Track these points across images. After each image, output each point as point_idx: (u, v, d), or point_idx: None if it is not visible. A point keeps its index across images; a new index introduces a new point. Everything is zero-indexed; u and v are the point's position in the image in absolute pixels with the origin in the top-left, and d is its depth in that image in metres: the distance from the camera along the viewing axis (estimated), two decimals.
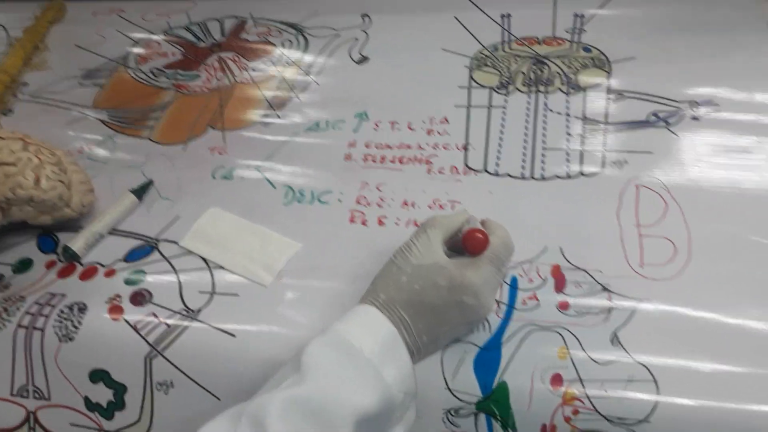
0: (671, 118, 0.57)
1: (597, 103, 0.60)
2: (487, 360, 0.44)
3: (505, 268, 0.46)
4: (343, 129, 0.63)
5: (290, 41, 0.73)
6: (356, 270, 0.51)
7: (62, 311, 0.52)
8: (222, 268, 0.54)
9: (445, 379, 0.44)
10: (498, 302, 0.48)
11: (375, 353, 0.40)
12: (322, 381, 0.37)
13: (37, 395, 0.51)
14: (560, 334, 0.45)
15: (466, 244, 0.44)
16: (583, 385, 0.43)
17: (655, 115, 0.58)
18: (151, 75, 0.73)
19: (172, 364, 0.48)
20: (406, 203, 0.56)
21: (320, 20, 0.75)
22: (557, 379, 0.43)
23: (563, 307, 0.47)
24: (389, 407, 0.39)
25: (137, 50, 0.76)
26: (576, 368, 0.43)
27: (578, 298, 0.47)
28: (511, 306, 0.48)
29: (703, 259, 0.48)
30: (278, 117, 0.66)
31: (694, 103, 0.58)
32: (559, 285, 0.48)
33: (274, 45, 0.73)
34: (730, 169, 0.53)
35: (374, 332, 0.41)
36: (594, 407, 0.42)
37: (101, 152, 0.66)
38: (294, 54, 0.72)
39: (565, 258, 0.50)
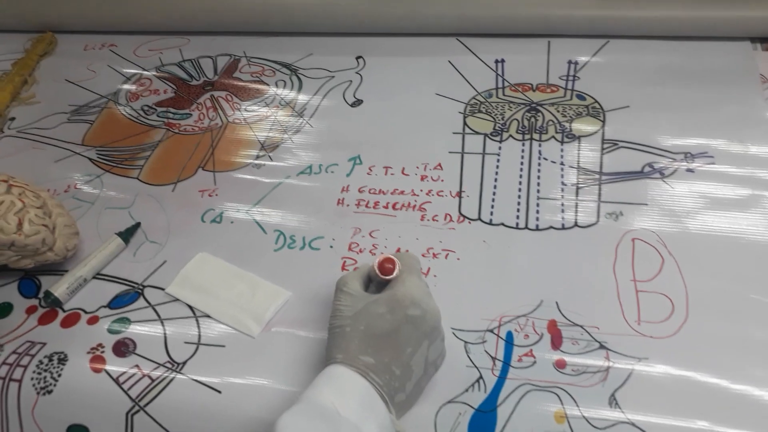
0: (666, 169, 0.57)
1: (592, 152, 0.60)
2: (483, 423, 0.43)
3: (422, 275, 0.48)
4: (336, 173, 0.62)
5: (284, 81, 0.73)
6: None
7: (41, 361, 0.50)
8: (209, 317, 0.52)
9: None
10: (494, 359, 0.47)
11: (351, 410, 0.38)
12: None
13: None
14: (557, 395, 0.44)
15: (382, 270, 0.46)
16: None
17: (650, 165, 0.58)
18: (141, 113, 0.72)
19: (155, 420, 0.47)
20: (399, 251, 0.55)
21: (315, 61, 0.74)
22: None
23: (560, 365, 0.46)
24: None
25: (128, 87, 0.76)
26: None
27: (575, 356, 0.46)
28: (507, 363, 0.46)
29: (701, 317, 0.48)
30: (270, 159, 0.65)
31: (689, 155, 0.58)
32: (556, 342, 0.47)
33: (267, 85, 0.73)
34: (726, 223, 0.53)
35: (345, 390, 0.40)
36: None
37: (88, 192, 0.64)
38: (288, 95, 0.71)
39: (561, 313, 0.49)
